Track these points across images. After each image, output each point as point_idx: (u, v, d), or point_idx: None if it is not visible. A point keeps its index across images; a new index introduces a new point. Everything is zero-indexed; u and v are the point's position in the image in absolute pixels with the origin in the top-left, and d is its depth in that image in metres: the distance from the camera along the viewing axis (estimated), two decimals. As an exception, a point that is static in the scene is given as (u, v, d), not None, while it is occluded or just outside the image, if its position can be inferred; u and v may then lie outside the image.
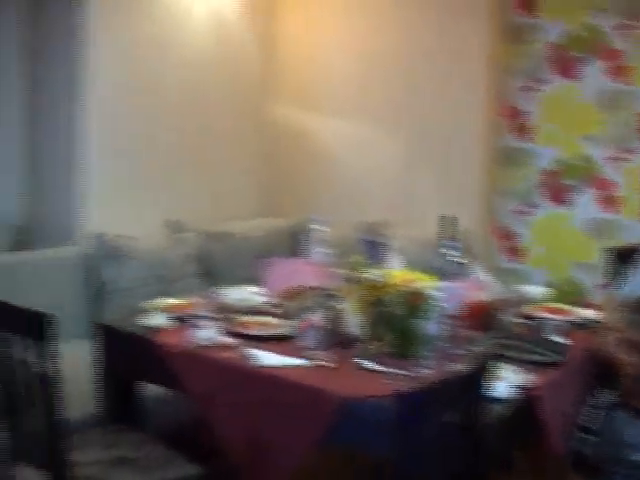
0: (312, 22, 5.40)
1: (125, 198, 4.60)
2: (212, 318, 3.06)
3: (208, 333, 2.94)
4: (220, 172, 5.16)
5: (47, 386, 2.53)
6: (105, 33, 4.43)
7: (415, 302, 2.87)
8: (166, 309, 3.27)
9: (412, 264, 3.27)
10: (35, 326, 2.44)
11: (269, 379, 2.69)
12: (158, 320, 3.12)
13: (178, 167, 4.89)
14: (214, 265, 4.59)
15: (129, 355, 3.17)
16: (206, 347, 2.90)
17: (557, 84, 4.90)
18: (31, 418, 2.73)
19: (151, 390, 3.34)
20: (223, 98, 5.15)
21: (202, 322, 3.02)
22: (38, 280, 4.02)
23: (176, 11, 4.79)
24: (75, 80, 4.38)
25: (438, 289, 2.93)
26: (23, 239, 4.44)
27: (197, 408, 2.93)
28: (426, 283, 2.97)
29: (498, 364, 2.68)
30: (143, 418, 3.29)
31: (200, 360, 2.87)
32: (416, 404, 2.24)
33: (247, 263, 4.58)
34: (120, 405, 3.24)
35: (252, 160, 5.40)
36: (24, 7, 4.52)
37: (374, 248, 3.49)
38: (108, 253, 4.22)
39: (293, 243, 4.79)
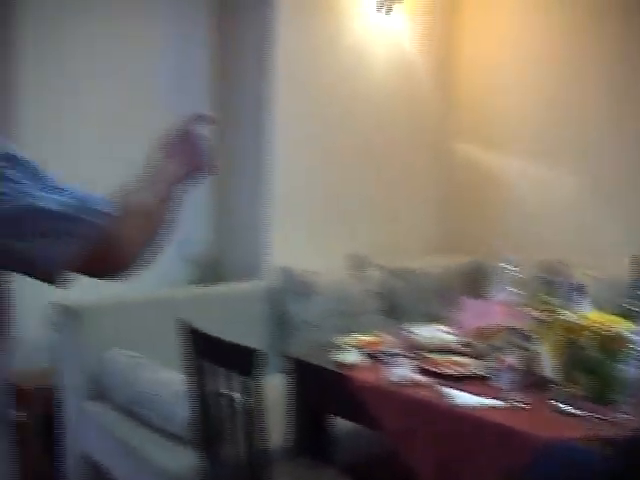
0: (492, 57, 5.40)
1: (309, 233, 4.73)
2: (404, 356, 3.11)
3: (402, 370, 2.98)
4: (399, 207, 5.23)
5: (252, 419, 2.62)
6: (289, 67, 4.60)
7: (612, 345, 2.83)
8: (357, 345, 3.34)
9: (600, 305, 3.23)
10: (245, 361, 2.54)
11: (465, 418, 2.71)
12: (351, 356, 3.19)
13: (359, 202, 4.99)
14: (395, 301, 4.65)
15: (321, 389, 3.24)
16: (400, 384, 2.94)
17: None
18: (233, 449, 2.84)
19: (341, 424, 3.41)
20: (403, 134, 5.22)
21: (395, 359, 3.07)
22: (226, 313, 4.18)
23: (356, 46, 4.91)
24: (261, 114, 4.55)
25: (636, 332, 2.88)
26: (212, 273, 4.62)
27: (389, 444, 2.97)
28: (622, 325, 2.93)
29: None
30: (332, 452, 3.36)
31: (394, 397, 2.91)
32: (625, 450, 2.22)
33: (428, 299, 4.64)
34: (310, 438, 3.32)
35: (431, 196, 5.44)
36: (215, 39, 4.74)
37: (561, 288, 3.46)
38: (293, 287, 4.35)
39: (473, 280, 4.81)
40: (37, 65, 4.20)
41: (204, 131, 1.83)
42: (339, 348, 3.31)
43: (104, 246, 1.47)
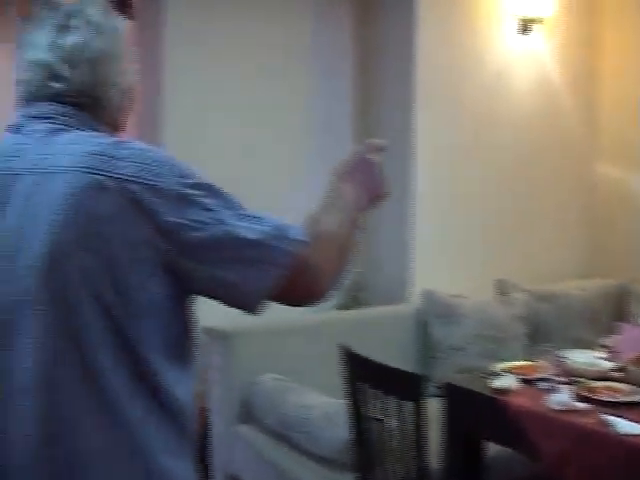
0: (633, 75, 5.28)
1: (453, 256, 4.71)
2: (561, 382, 3.06)
3: (561, 397, 2.93)
4: (544, 231, 5.15)
5: (414, 443, 2.62)
6: (431, 88, 4.62)
7: None
8: (512, 371, 3.29)
9: None
10: (410, 386, 2.55)
11: (630, 446, 2.65)
12: (507, 382, 3.15)
13: (503, 226, 4.94)
14: (540, 325, 4.57)
15: (475, 414, 3.22)
16: (559, 411, 2.89)
17: None
18: (390, 473, 2.85)
19: (494, 449, 3.37)
20: (545, 154, 5.15)
21: (552, 385, 3.02)
22: (370, 337, 4.17)
23: (496, 66, 4.88)
24: (404, 137, 4.57)
25: None
26: (357, 297, 4.64)
27: (544, 470, 2.93)
28: None
29: None
30: (485, 477, 3.32)
31: (554, 423, 2.87)
32: None
33: (574, 324, 4.55)
34: (462, 462, 3.29)
35: (575, 218, 5.34)
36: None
37: None
38: (438, 311, 4.33)
39: (620, 304, 4.70)
40: (183, 63, 4.33)
41: (378, 158, 1.86)
42: (493, 373, 3.28)
43: (300, 273, 1.49)
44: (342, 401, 3.47)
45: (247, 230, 1.46)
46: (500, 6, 4.84)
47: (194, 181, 1.48)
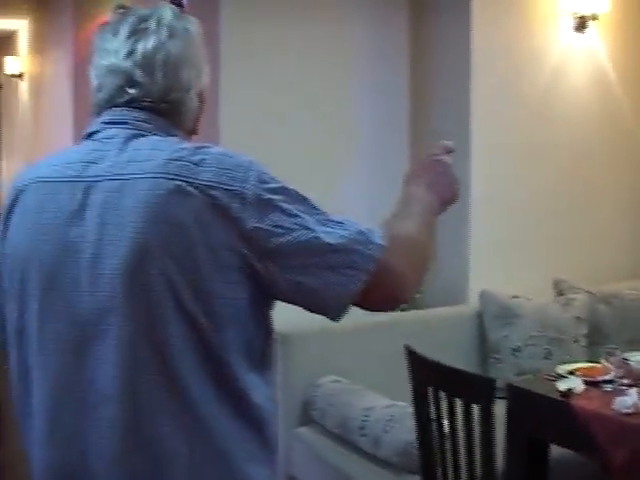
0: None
1: (510, 256, 4.67)
2: (626, 384, 3.02)
3: (629, 400, 2.89)
4: (603, 230, 5.08)
5: (483, 447, 2.61)
6: (488, 88, 4.60)
7: None
8: (576, 373, 3.26)
9: None
10: (481, 390, 2.53)
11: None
12: (572, 384, 3.12)
13: (560, 226, 4.88)
14: (602, 327, 4.51)
15: (540, 416, 3.19)
16: (629, 414, 2.86)
17: None
18: (454, 476, 2.83)
19: (557, 452, 3.33)
20: (604, 155, 5.09)
21: (618, 388, 2.99)
22: (429, 338, 4.15)
23: (552, 64, 4.84)
24: (461, 136, 4.55)
25: None
26: (415, 298, 4.61)
27: (615, 474, 2.89)
28: None
29: None
30: (549, 480, 3.30)
31: (623, 426, 2.84)
32: None
33: (634, 325, 4.49)
34: (526, 465, 3.27)
35: (635, 219, 5.27)
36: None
37: None
38: (497, 312, 4.30)
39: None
40: (239, 63, 4.38)
41: (450, 160, 1.85)
42: (557, 375, 3.25)
43: (381, 278, 1.49)
44: (403, 403, 3.47)
45: (330, 235, 1.45)
46: (556, 4, 4.80)
47: (275, 185, 1.48)
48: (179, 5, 1.69)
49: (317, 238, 1.45)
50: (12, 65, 10.33)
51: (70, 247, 1.49)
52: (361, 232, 1.49)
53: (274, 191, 1.47)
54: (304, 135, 4.56)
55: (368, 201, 4.55)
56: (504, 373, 4.12)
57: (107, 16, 1.67)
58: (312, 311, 1.51)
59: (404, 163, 4.69)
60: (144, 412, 1.45)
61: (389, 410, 3.53)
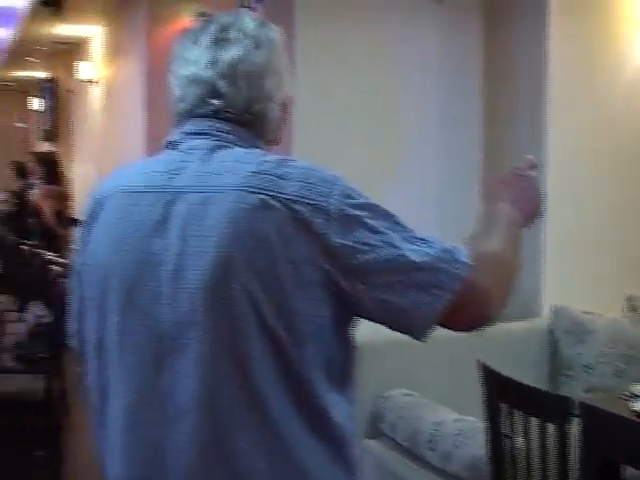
0: None
1: (585, 271, 4.58)
2: None
3: None
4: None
5: (559, 465, 2.56)
6: (565, 99, 4.53)
7: None
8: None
9: None
10: (557, 409, 2.48)
11: None
12: (647, 404, 3.04)
13: (633, 241, 4.78)
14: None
15: (613, 437, 3.11)
16: None
17: None
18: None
19: (631, 473, 3.26)
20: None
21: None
22: (500, 352, 4.09)
23: (633, 76, 4.75)
24: (536, 145, 4.49)
25: None
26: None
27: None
28: None
29: None
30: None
31: None
32: None
33: None
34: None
35: None
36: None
37: None
38: (569, 328, 4.23)
39: None
40: (314, 68, 4.42)
41: (535, 175, 1.82)
42: (632, 395, 3.17)
43: (468, 298, 1.46)
44: (473, 418, 3.42)
45: (415, 253, 1.43)
46: (638, 8, 4.69)
47: (360, 201, 1.46)
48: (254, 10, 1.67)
49: (403, 256, 1.42)
50: (85, 71, 10.50)
51: (152, 259, 1.48)
52: (446, 250, 1.46)
53: (359, 207, 1.45)
54: (376, 138, 4.56)
55: (436, 205, 4.55)
56: (575, 390, 4.04)
57: (183, 23, 1.66)
58: (396, 330, 1.49)
59: (475, 168, 4.66)
60: (224, 426, 1.44)
61: (458, 424, 3.49)
